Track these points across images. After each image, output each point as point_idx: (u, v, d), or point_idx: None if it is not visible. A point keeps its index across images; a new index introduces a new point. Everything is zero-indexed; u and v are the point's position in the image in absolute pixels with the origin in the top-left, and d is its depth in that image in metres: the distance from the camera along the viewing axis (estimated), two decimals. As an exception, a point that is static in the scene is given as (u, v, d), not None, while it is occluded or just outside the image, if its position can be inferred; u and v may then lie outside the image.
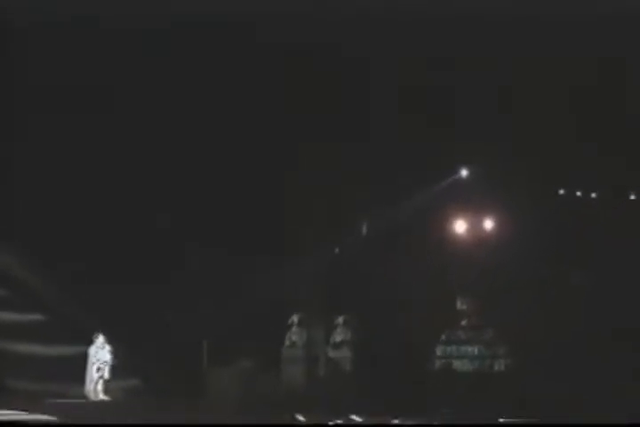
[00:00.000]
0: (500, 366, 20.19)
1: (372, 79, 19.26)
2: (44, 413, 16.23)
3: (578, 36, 17.99)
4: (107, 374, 20.26)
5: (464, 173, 21.76)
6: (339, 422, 15.09)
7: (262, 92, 19.20)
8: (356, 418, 15.41)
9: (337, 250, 22.07)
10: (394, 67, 18.89)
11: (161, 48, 19.09)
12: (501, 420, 15.12)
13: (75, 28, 18.33)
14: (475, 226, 21.35)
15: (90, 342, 20.40)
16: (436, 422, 15.54)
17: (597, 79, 18.98)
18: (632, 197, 21.38)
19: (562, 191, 21.68)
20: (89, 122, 19.24)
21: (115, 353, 20.36)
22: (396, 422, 15.29)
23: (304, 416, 15.17)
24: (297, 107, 19.49)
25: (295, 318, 21.32)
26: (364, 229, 21.93)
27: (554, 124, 19.74)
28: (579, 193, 21.72)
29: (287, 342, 21.22)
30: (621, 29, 17.73)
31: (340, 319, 21.27)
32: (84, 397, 20.07)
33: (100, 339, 20.44)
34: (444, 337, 20.71)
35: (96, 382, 20.24)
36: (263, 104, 19.42)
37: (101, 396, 20.22)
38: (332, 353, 21.15)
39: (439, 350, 20.67)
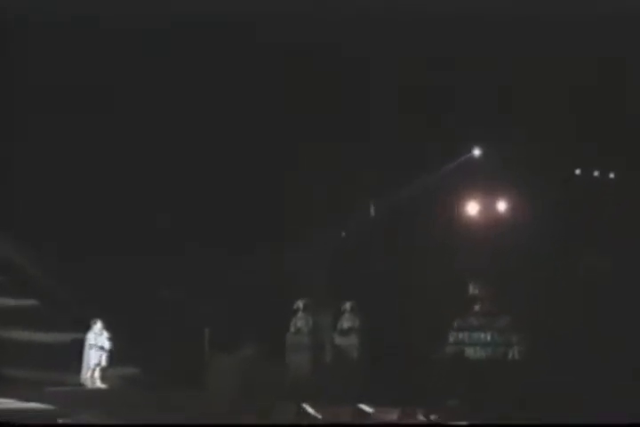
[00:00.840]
0: (513, 353, 20.08)
1: (378, 62, 19.44)
2: (40, 401, 16.48)
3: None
4: (104, 362, 20.29)
5: (476, 152, 21.70)
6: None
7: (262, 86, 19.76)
8: (365, 408, 15.33)
9: (343, 233, 22.09)
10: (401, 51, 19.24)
11: (161, 48, 19.47)
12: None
13: (75, 27, 18.78)
14: (487, 208, 21.31)
15: (87, 328, 20.41)
16: (444, 413, 15.52)
17: (618, 53, 19.02)
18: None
19: (578, 172, 21.54)
20: (87, 117, 19.76)
21: (113, 340, 20.40)
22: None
23: (310, 406, 15.09)
24: (298, 92, 19.84)
25: (300, 304, 21.27)
26: (372, 212, 21.96)
27: (571, 102, 19.73)
28: (596, 173, 21.56)
29: (292, 329, 21.20)
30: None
31: (347, 305, 21.23)
32: (82, 385, 20.11)
33: (98, 325, 20.46)
34: (455, 324, 20.65)
35: (93, 370, 20.29)
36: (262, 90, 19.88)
37: (99, 384, 20.27)
38: (338, 340, 21.13)
39: (450, 337, 20.59)
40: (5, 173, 19.73)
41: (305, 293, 21.26)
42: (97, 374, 20.28)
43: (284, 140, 20.26)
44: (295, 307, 21.26)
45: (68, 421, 14.66)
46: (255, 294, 20.36)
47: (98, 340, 20.31)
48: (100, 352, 20.25)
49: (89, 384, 20.12)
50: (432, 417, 15.29)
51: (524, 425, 14.42)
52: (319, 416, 14.74)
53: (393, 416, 15.35)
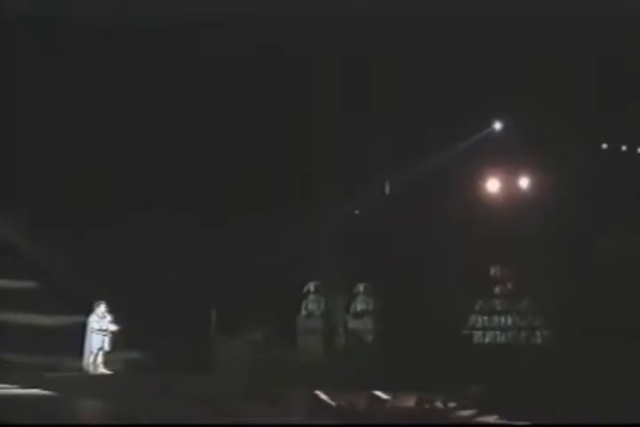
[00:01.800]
0: (536, 338, 19.95)
1: (398, 31, 19.36)
2: (39, 387, 16.42)
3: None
4: (107, 346, 20.25)
5: (497, 126, 21.51)
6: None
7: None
8: (381, 395, 14.90)
9: (357, 211, 22.03)
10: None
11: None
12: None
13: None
14: (509, 185, 21.09)
15: (90, 311, 20.38)
16: (463, 401, 15.24)
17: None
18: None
19: (605, 146, 21.26)
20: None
21: (116, 323, 20.38)
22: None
23: (323, 392, 14.64)
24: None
25: (312, 285, 21.33)
26: (388, 188, 21.82)
27: (600, 71, 19.41)
28: (624, 148, 21.27)
29: (303, 312, 21.23)
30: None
31: (362, 287, 21.24)
32: (83, 370, 20.10)
33: (102, 308, 20.43)
34: (475, 307, 20.53)
35: (96, 355, 20.25)
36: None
37: (101, 369, 20.25)
38: (352, 324, 21.12)
39: (470, 321, 20.48)
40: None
41: (317, 273, 21.31)
42: (100, 359, 20.25)
43: (303, 107, 20.41)
44: (306, 289, 21.33)
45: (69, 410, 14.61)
46: (264, 274, 20.23)
47: (101, 323, 20.29)
48: (102, 336, 20.22)
49: (91, 370, 20.11)
50: (450, 405, 15.02)
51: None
52: (332, 403, 14.43)
53: (410, 403, 15.10)
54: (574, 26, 18.48)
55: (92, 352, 20.17)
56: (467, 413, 14.35)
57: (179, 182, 20.89)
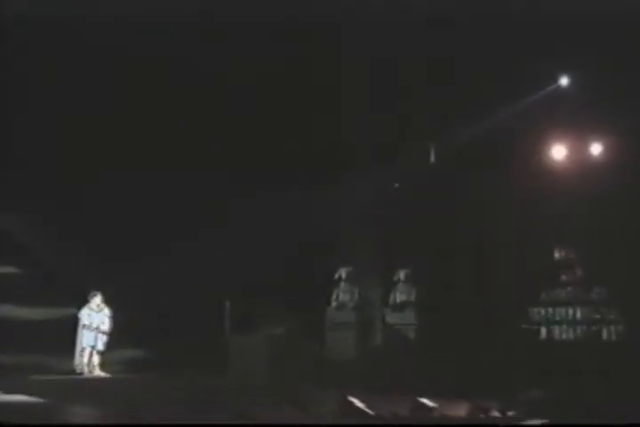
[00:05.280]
0: (610, 334, 19.84)
1: None
2: (26, 393, 16.37)
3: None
4: (101, 345, 20.37)
5: (564, 81, 21.34)
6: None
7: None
8: (427, 402, 14.73)
9: (397, 184, 21.95)
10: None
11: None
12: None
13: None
14: (577, 152, 20.97)
15: (83, 302, 20.50)
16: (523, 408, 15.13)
17: None
18: None
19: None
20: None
21: (114, 317, 20.54)
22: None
23: (358, 399, 14.44)
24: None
25: (343, 272, 21.27)
26: (433, 156, 21.76)
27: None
28: None
29: (333, 303, 21.28)
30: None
31: (402, 274, 21.18)
32: (74, 372, 20.26)
33: (97, 300, 20.52)
34: (537, 297, 20.34)
35: (90, 354, 20.39)
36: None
37: (97, 371, 20.41)
38: (390, 318, 21.14)
39: (531, 314, 20.29)
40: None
41: (349, 257, 21.20)
42: (95, 359, 20.41)
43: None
44: (337, 276, 21.29)
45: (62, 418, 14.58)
46: (287, 258, 20.45)
47: (95, 317, 20.42)
48: (97, 333, 20.35)
49: (85, 372, 20.29)
50: (509, 413, 14.90)
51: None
52: (370, 412, 14.26)
53: (461, 412, 15.00)
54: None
55: (83, 351, 20.32)
56: (528, 423, 14.16)
57: (193, 152, 21.39)
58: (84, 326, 20.30)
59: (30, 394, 16.35)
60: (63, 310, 20.57)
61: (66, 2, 19.37)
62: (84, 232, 20.86)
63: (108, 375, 20.31)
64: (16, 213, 20.93)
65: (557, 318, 20.14)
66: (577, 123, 20.81)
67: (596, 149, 20.91)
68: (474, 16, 19.90)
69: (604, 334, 19.85)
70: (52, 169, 20.91)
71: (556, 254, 20.60)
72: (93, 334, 20.26)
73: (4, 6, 19.37)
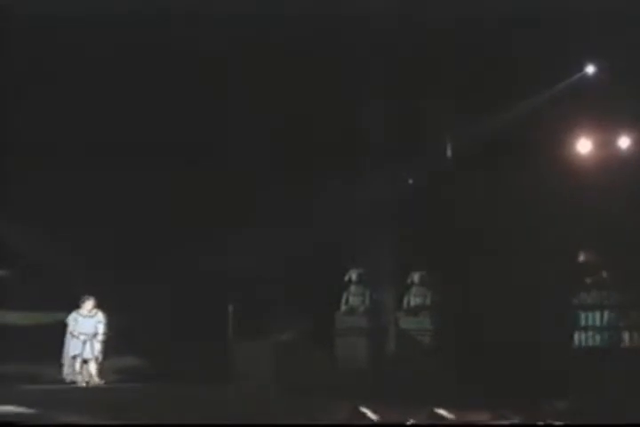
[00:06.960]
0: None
1: None
2: (14, 403, 16.35)
3: None
4: (91, 352, 20.35)
5: (590, 70, 21.35)
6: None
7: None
8: (443, 413, 14.81)
9: (410, 180, 21.96)
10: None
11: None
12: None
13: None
14: (604, 145, 20.89)
15: (74, 307, 20.59)
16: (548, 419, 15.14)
17: None
18: None
19: None
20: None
21: (108, 323, 20.62)
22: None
23: (370, 409, 14.63)
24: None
25: (354, 274, 21.33)
26: (450, 150, 21.72)
27: None
28: None
29: (343, 307, 21.35)
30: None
31: (417, 276, 21.32)
32: (64, 381, 20.35)
33: (89, 305, 20.58)
34: (562, 300, 20.09)
35: (82, 363, 20.43)
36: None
37: (94, 380, 20.45)
38: (404, 323, 21.18)
39: (555, 318, 19.95)
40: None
41: (360, 258, 21.22)
42: (92, 366, 20.46)
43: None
44: (347, 277, 21.37)
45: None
46: (294, 258, 20.40)
47: (84, 323, 20.46)
48: (85, 339, 20.37)
49: (79, 381, 20.33)
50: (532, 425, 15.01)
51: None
52: (383, 423, 14.43)
53: (481, 423, 15.01)
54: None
55: (75, 359, 20.36)
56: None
57: (193, 152, 21.66)
58: (71, 333, 20.41)
59: (18, 404, 16.26)
60: (54, 315, 20.71)
61: (66, 2, 19.68)
62: (80, 236, 20.97)
63: (102, 384, 20.34)
64: (7, 217, 21.01)
65: (583, 324, 19.94)
66: (603, 115, 20.67)
67: (623, 142, 20.76)
68: (498, 4, 19.85)
69: (634, 341, 19.59)
70: (43, 172, 20.97)
71: (581, 256, 20.44)
72: (81, 340, 20.33)
73: (4, 6, 19.64)
